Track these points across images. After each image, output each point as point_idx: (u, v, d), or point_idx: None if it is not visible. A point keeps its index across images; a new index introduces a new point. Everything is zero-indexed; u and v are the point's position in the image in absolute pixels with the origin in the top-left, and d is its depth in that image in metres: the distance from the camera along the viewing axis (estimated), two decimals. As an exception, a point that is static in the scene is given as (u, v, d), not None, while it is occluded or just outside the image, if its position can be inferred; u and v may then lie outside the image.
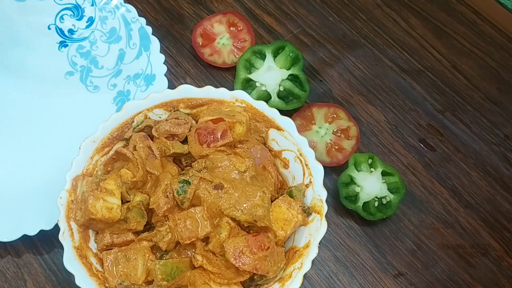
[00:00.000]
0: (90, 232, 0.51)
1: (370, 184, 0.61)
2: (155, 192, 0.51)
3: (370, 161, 0.62)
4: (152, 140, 0.53)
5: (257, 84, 0.67)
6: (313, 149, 0.54)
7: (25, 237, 0.55)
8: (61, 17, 0.69)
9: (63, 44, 0.68)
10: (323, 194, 0.51)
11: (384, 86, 0.71)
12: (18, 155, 0.62)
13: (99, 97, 0.66)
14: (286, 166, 0.55)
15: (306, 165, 0.53)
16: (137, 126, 0.54)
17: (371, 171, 0.62)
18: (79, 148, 0.52)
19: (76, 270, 0.48)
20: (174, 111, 0.55)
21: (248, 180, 0.51)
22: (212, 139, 0.51)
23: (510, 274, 0.61)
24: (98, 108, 0.64)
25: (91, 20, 0.68)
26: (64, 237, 0.49)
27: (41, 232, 0.55)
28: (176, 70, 0.70)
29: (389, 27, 0.75)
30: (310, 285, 0.59)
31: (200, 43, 0.70)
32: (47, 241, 0.59)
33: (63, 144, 0.62)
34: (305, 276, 0.48)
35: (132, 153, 0.50)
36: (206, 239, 0.50)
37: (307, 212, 0.51)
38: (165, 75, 0.64)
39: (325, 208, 0.51)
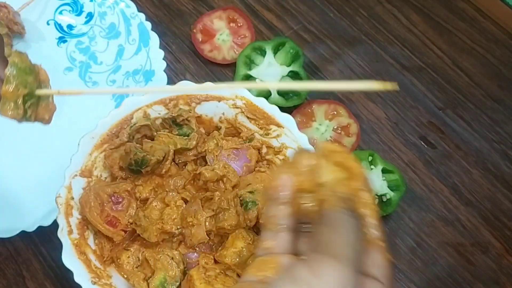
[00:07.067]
0: (89, 230, 0.51)
1: (371, 182, 0.61)
2: None
3: (370, 158, 0.62)
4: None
5: (257, 80, 0.66)
6: (313, 146, 0.53)
7: (23, 234, 0.55)
8: (60, 13, 0.68)
9: (62, 40, 0.68)
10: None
11: (385, 83, 0.70)
12: (16, 150, 0.62)
13: (98, 93, 0.65)
14: (286, 163, 0.55)
15: (306, 162, 0.53)
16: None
17: (371, 169, 0.62)
18: (78, 144, 0.52)
19: (75, 266, 0.48)
20: (174, 107, 0.55)
21: None
22: None
23: (510, 272, 0.60)
24: (97, 104, 0.64)
25: (90, 16, 0.68)
26: (63, 234, 0.49)
27: (40, 228, 0.55)
28: (175, 66, 0.69)
29: (390, 23, 0.74)
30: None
31: (200, 39, 0.70)
32: (45, 238, 0.58)
33: (61, 140, 0.62)
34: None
35: None
36: None
37: None
38: (164, 71, 0.63)
39: None
